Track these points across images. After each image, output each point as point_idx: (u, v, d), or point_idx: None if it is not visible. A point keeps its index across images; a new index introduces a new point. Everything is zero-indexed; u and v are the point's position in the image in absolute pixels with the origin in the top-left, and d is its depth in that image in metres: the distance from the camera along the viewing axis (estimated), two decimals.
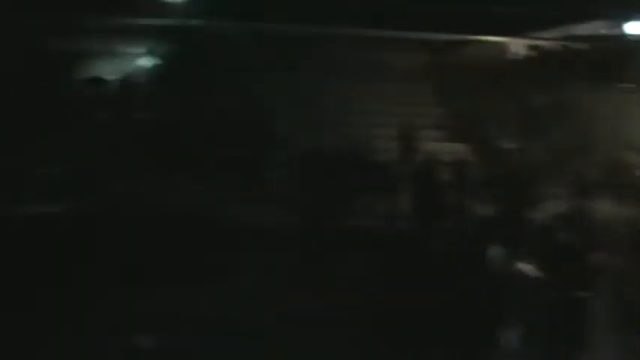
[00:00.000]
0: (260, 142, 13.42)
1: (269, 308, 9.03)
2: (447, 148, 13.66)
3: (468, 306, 8.39)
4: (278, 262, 10.20)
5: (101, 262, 9.71)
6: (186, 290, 9.26)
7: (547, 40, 14.12)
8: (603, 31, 13.34)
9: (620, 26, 12.75)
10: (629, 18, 12.79)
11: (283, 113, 13.84)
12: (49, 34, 13.55)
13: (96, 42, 14.11)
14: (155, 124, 13.38)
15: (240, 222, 11.17)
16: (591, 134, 13.82)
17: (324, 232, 11.14)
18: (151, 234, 10.17)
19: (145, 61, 14.59)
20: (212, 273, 9.85)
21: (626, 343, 8.64)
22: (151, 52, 14.59)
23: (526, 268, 9.38)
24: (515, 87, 14.38)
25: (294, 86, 13.85)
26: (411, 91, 14.31)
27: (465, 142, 14.20)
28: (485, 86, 14.48)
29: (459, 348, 8.23)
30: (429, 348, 8.28)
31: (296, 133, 13.48)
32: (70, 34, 13.65)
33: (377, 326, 8.55)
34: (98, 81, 14.06)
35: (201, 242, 10.37)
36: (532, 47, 14.53)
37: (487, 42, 14.46)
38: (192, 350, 8.04)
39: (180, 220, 10.78)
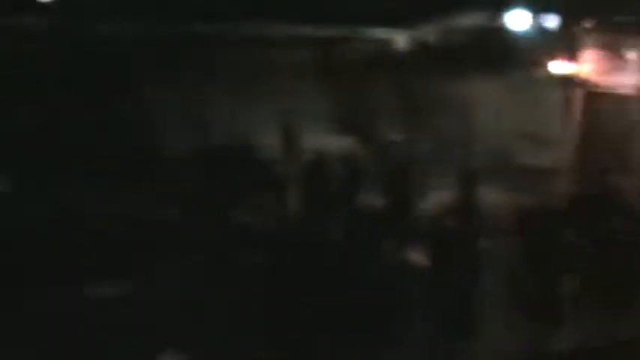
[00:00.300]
0: (144, 143, 13.00)
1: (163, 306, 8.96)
2: (335, 142, 13.60)
3: (362, 298, 8.36)
4: (170, 261, 10.08)
5: None
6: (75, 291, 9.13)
7: (430, 31, 14.25)
8: (485, 22, 13.57)
9: (501, 17, 13.00)
10: (509, 8, 13.03)
11: (168, 113, 13.46)
12: None
13: None
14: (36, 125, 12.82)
15: (127, 223, 10.93)
16: (477, 124, 14.07)
17: (214, 230, 10.94)
18: (33, 236, 9.96)
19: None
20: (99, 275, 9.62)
21: (517, 326, 8.75)
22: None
23: (417, 257, 9.42)
24: (400, 79, 14.48)
25: (180, 86, 13.50)
26: (298, 87, 14.19)
27: (353, 135, 14.19)
28: (371, 79, 14.52)
29: (354, 340, 8.20)
30: (323, 342, 8.22)
31: (184, 132, 13.24)
32: None
33: (271, 322, 8.43)
34: None
35: (87, 244, 10.09)
36: (416, 39, 14.64)
37: (372, 35, 14.49)
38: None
39: (67, 223, 10.53)
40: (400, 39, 14.82)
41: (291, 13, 13.70)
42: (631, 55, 12.75)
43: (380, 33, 14.67)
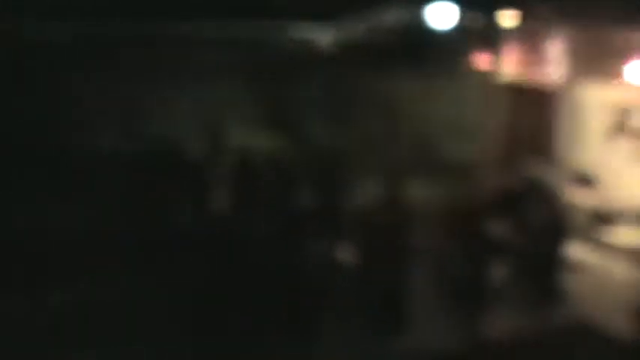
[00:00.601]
0: (68, 145, 12.69)
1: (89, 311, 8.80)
2: (262, 141, 13.48)
3: (291, 297, 8.41)
4: (93, 267, 9.78)
5: None
6: None
7: (355, 27, 14.20)
8: (408, 16, 13.59)
9: (425, 11, 13.03)
10: (432, 2, 13.07)
11: (93, 114, 13.12)
12: None
13: None
14: None
15: (46, 228, 10.68)
16: (403, 121, 14.12)
17: (139, 235, 10.60)
18: None
19: None
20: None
21: (448, 320, 8.82)
22: None
23: (346, 255, 9.38)
24: (325, 76, 14.41)
25: (103, 87, 13.17)
26: (222, 85, 14.00)
27: (279, 134, 14.07)
28: (296, 77, 14.41)
29: (284, 339, 8.18)
30: (253, 342, 8.16)
31: (106, 134, 12.93)
32: None
33: (199, 323, 8.35)
34: None
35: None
36: (340, 35, 14.59)
37: (297, 31, 14.37)
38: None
39: None
40: (324, 35, 14.74)
41: (215, 10, 13.48)
42: (553, 48, 12.95)
43: (304, 29, 14.55)
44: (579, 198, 11.58)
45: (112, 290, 9.48)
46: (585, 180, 12.03)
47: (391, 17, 14.04)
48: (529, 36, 13.23)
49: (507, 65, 13.54)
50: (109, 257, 10.06)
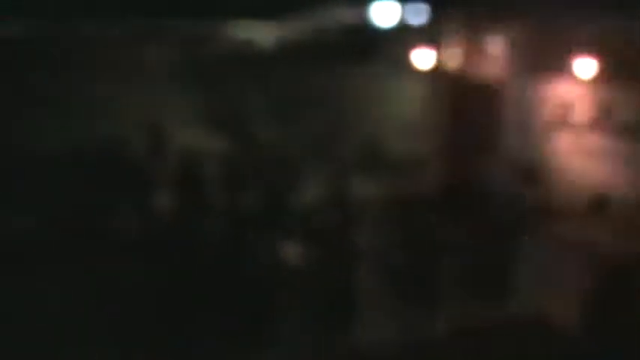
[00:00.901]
0: (7, 144, 12.32)
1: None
2: (206, 140, 13.30)
3: (238, 297, 8.29)
4: (34, 271, 9.54)
5: None
6: None
7: (297, 25, 14.11)
8: (352, 15, 13.57)
9: (368, 9, 13.02)
10: (377, 3, 13.06)
11: (32, 113, 12.78)
12: None
13: None
14: None
15: None
16: (349, 119, 14.09)
17: (80, 235, 10.44)
18: None
19: None
20: None
21: (395, 315, 8.80)
22: None
23: (293, 253, 9.33)
24: (268, 75, 14.30)
25: (43, 86, 12.84)
26: (165, 87, 13.78)
27: (224, 133, 13.90)
28: (239, 76, 14.27)
29: (234, 339, 8.09)
30: (198, 343, 8.05)
31: (46, 133, 12.56)
32: None
33: (146, 326, 8.19)
34: None
35: None
36: (282, 33, 14.48)
37: (239, 30, 14.22)
38: None
39: None
40: (268, 34, 14.62)
41: (158, 9, 13.29)
42: (495, 45, 13.04)
43: (247, 28, 14.41)
44: (525, 192, 11.62)
45: (52, 291, 9.22)
46: (530, 173, 12.11)
47: (334, 16, 13.98)
48: (473, 32, 13.29)
49: (451, 62, 13.59)
50: (47, 258, 9.84)
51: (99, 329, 8.32)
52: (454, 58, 13.55)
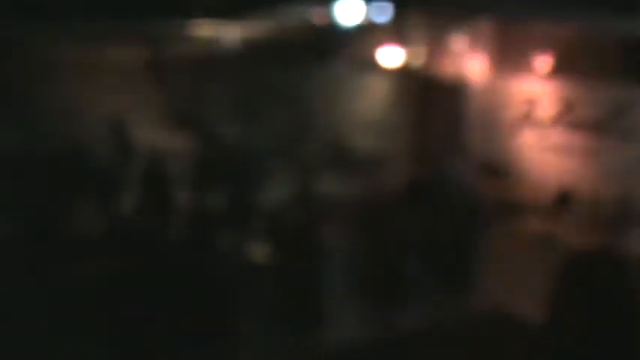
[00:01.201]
0: None
1: None
2: (169, 141, 13.23)
3: (203, 298, 8.20)
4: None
5: None
6: None
7: (259, 24, 14.05)
8: (315, 13, 13.54)
9: (331, 7, 12.99)
10: (341, 1, 13.03)
11: None
12: None
13: None
14: None
15: None
16: (314, 118, 14.11)
17: (43, 239, 10.38)
18: None
19: None
20: None
21: (364, 313, 8.86)
22: None
23: (259, 252, 9.37)
24: (231, 74, 14.24)
25: (3, 86, 12.68)
26: (127, 87, 13.66)
27: (187, 134, 13.83)
28: (202, 75, 14.20)
29: (196, 342, 8.01)
30: (164, 344, 8.03)
31: (4, 134, 12.34)
32: None
33: (111, 330, 8.15)
34: None
35: None
36: (245, 32, 14.42)
37: (200, 29, 14.13)
38: None
39: None
40: (231, 33, 14.55)
41: (119, 8, 13.15)
42: (459, 42, 13.10)
43: (208, 27, 14.32)
44: (490, 188, 11.70)
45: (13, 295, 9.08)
46: (495, 171, 12.19)
47: (298, 14, 13.94)
48: (437, 30, 13.35)
49: (416, 60, 13.63)
50: (7, 263, 9.71)
51: (60, 331, 8.24)
52: (418, 56, 13.59)
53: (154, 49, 14.22)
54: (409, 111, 13.67)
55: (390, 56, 13.73)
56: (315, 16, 13.61)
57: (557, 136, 11.72)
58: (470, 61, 13.03)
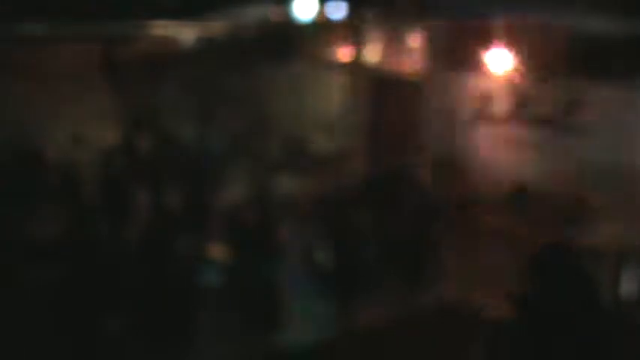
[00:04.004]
0: None
1: None
2: (124, 142, 13.12)
3: (161, 299, 8.15)
4: None
5: None
6: None
7: (216, 23, 13.99)
8: (271, 12, 13.50)
9: (287, 6, 12.96)
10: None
11: None
12: None
13: None
14: None
15: None
16: (269, 116, 14.09)
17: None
18: None
19: None
20: None
21: (321, 312, 8.86)
22: None
23: (217, 253, 9.34)
24: (188, 74, 14.17)
25: None
26: (82, 87, 13.52)
27: (143, 134, 13.74)
28: (159, 76, 14.11)
29: (155, 343, 8.00)
30: (122, 347, 7.98)
31: None
32: None
33: (68, 336, 7.99)
34: None
35: None
36: (201, 32, 14.35)
37: (157, 29, 14.02)
38: None
39: None
40: (187, 32, 14.47)
41: (74, 7, 12.97)
42: (414, 41, 13.18)
43: (165, 26, 14.22)
44: (445, 183, 11.80)
45: None
46: (450, 165, 12.28)
47: (254, 13, 13.90)
48: (392, 28, 13.40)
49: (372, 57, 13.67)
50: None
51: (19, 337, 8.07)
52: (374, 53, 13.64)
53: (108, 50, 14.11)
54: (365, 108, 13.71)
55: (346, 54, 13.78)
56: (271, 14, 13.59)
57: (512, 131, 11.84)
58: (425, 58, 13.10)
